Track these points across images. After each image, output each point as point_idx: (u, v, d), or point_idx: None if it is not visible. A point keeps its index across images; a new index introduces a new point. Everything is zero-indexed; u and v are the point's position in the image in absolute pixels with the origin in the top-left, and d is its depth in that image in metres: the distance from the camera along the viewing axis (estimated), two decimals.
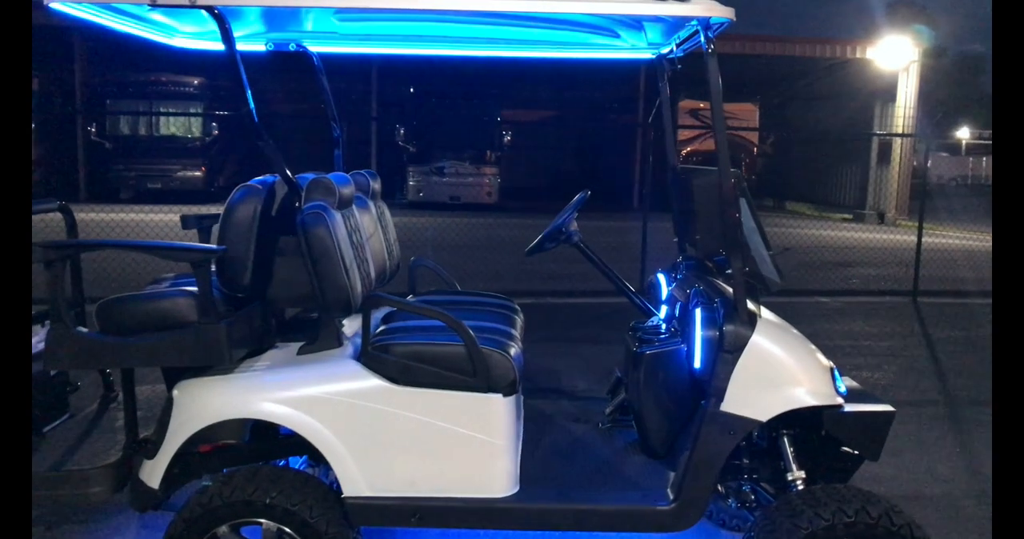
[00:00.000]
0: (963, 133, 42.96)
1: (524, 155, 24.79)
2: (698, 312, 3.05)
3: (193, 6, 2.71)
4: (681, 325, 3.38)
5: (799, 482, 3.03)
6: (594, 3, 2.79)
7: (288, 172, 3.02)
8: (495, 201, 20.48)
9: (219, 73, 20.15)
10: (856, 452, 3.13)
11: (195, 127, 20.52)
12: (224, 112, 20.88)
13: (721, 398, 2.88)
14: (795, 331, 3.10)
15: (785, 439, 3.09)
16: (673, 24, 3.21)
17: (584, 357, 6.68)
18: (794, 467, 3.06)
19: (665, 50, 3.65)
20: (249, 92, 2.85)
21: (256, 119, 2.87)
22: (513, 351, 3.02)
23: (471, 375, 2.88)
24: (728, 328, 2.89)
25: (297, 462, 3.39)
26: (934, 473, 4.71)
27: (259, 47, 3.75)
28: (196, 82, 20.11)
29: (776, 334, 2.98)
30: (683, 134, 21.14)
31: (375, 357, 2.91)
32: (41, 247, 2.81)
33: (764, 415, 2.91)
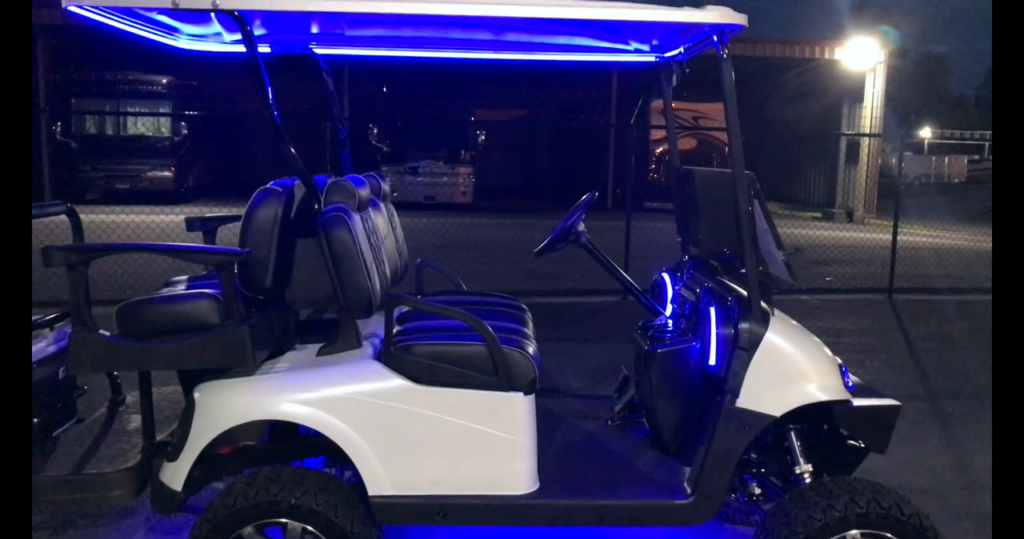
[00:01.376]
0: (925, 132, 43.76)
1: (498, 155, 24.84)
2: (712, 310, 3.13)
3: (215, 10, 2.73)
4: (691, 323, 3.45)
5: (807, 475, 3.12)
6: (612, 10, 2.84)
7: (307, 175, 3.04)
8: (470, 200, 20.51)
9: (188, 72, 19.97)
10: (863, 445, 3.23)
11: (164, 127, 20.27)
12: (193, 112, 20.67)
13: (737, 394, 2.96)
14: (805, 329, 3.19)
15: (792, 434, 3.18)
16: (682, 29, 3.28)
17: (574, 356, 6.74)
18: (801, 461, 3.15)
19: (669, 54, 3.72)
20: (271, 95, 2.87)
21: (278, 122, 2.88)
22: (531, 350, 3.08)
23: (493, 374, 2.93)
24: (743, 326, 2.97)
25: (312, 463, 3.41)
26: (923, 466, 4.84)
27: (263, 50, 3.76)
28: (164, 81, 19.86)
29: (788, 331, 3.07)
30: (655, 134, 21.33)
31: (397, 357, 2.95)
32: (63, 251, 2.81)
33: (778, 410, 2.99)
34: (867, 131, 20.54)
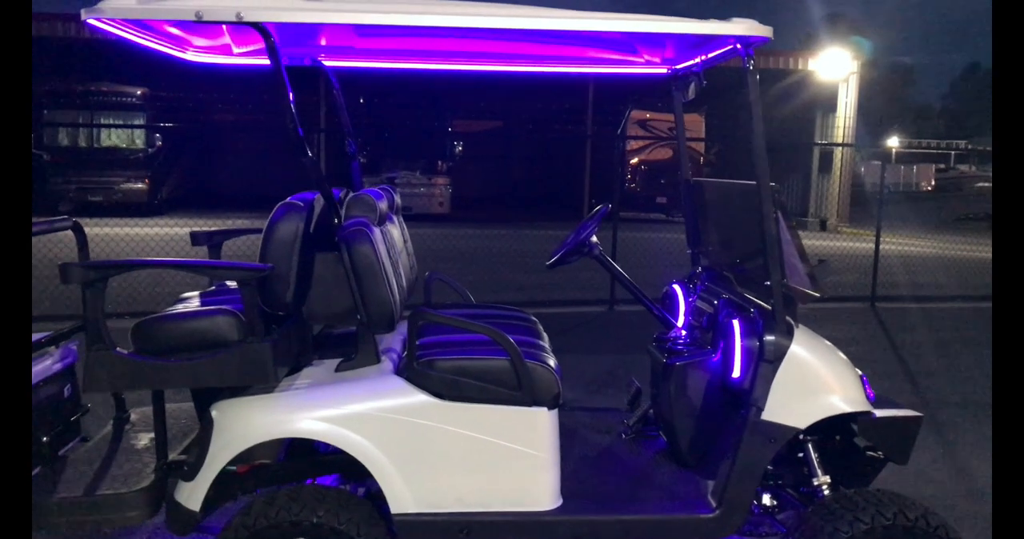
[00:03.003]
0: (893, 142, 44.45)
1: (475, 165, 24.86)
2: (736, 323, 3.12)
3: (240, 22, 2.69)
4: (708, 335, 3.45)
5: (825, 487, 3.12)
6: (639, 23, 2.85)
7: (328, 188, 3.00)
8: (447, 211, 20.50)
9: (162, 83, 19.76)
10: (882, 456, 3.24)
11: (138, 139, 20.03)
12: (168, 124, 20.45)
13: (762, 407, 2.96)
14: (826, 341, 3.20)
15: (809, 445, 3.17)
16: (696, 41, 3.29)
17: (564, 367, 6.70)
18: (819, 472, 3.14)
19: (680, 66, 3.73)
20: (293, 108, 2.82)
21: (301, 134, 2.84)
22: (552, 364, 3.06)
23: (517, 389, 2.90)
24: (769, 338, 2.97)
25: (322, 481, 3.35)
26: (924, 474, 4.86)
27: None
28: (139, 92, 19.65)
29: (812, 344, 3.08)
30: (632, 145, 21.46)
31: (420, 373, 2.91)
32: (82, 268, 2.75)
33: (803, 422, 2.99)
34: (840, 141, 20.83)
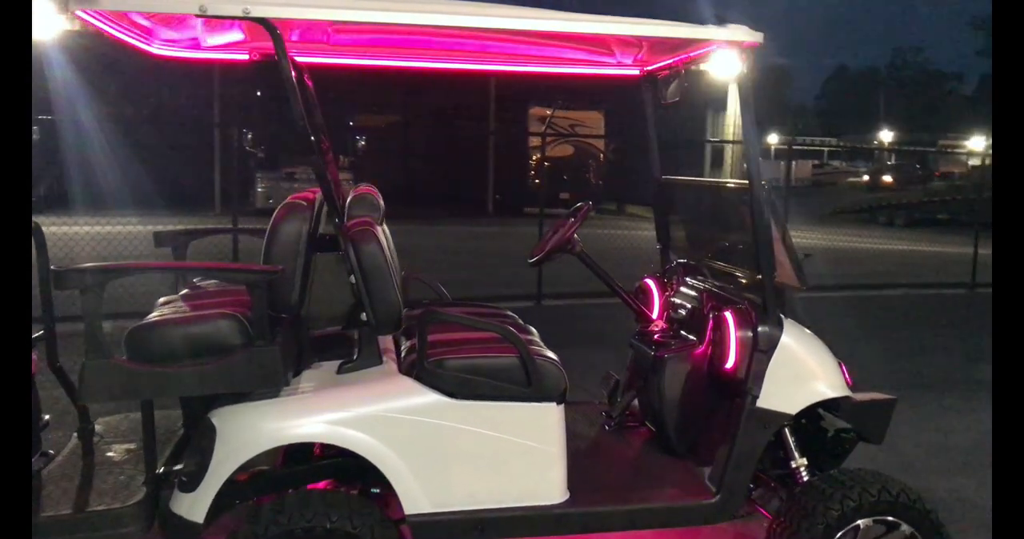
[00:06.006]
0: (772, 139, 46.42)
1: (377, 161, 24.52)
2: (729, 314, 3.25)
3: (246, 18, 2.61)
4: (691, 327, 3.57)
5: (802, 468, 3.29)
6: (635, 26, 2.93)
7: (331, 187, 2.95)
8: None
9: (39, 73, 18.62)
10: (858, 437, 3.44)
11: None
12: (47, 116, 19.28)
13: (757, 395, 3.10)
14: (810, 331, 3.37)
15: (787, 429, 3.34)
16: (676, 44, 3.39)
17: None
18: (796, 455, 3.32)
19: (651, 67, 3.83)
20: (301, 106, 2.76)
21: (308, 130, 2.78)
22: (555, 358, 3.10)
23: (526, 385, 2.94)
24: (763, 329, 3.12)
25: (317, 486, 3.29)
26: (859, 454, 5.15)
27: (242, 57, 3.61)
28: None
29: (799, 334, 3.24)
30: (534, 141, 21.66)
31: (431, 372, 2.90)
32: (78, 273, 2.61)
33: (794, 408, 3.16)
34: (731, 138, 21.64)
